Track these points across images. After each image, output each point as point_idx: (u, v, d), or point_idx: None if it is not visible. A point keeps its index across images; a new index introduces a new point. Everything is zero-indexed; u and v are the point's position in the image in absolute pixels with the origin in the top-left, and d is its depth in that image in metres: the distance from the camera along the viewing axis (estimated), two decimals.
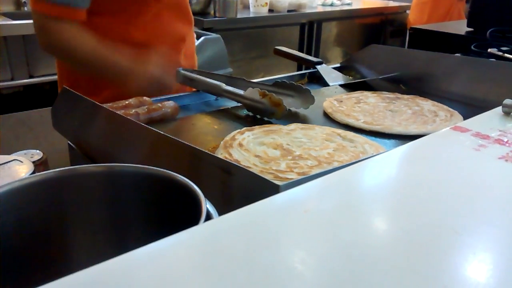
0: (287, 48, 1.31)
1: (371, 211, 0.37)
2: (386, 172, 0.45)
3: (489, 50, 1.30)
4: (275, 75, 1.14)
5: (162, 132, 0.63)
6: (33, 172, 0.51)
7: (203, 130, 0.88)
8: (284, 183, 0.44)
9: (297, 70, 3.00)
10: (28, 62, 2.24)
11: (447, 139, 0.49)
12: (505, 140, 0.48)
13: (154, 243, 0.31)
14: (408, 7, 3.67)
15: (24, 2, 2.51)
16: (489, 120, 0.54)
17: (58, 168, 0.45)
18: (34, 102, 2.22)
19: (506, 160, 0.44)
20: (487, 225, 0.35)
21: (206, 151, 0.56)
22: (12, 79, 2.23)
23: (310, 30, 3.17)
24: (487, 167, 0.43)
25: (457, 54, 1.20)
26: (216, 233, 0.34)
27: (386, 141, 0.82)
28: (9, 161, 0.52)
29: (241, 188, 0.49)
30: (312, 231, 0.34)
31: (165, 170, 0.42)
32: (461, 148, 0.47)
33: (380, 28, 3.74)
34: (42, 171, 0.56)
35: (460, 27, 1.69)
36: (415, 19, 3.36)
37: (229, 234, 0.34)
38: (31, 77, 2.27)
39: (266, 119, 0.91)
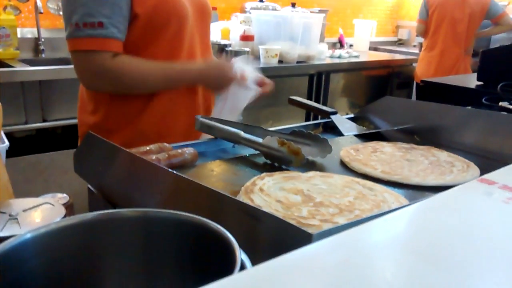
0: (301, 98, 1.34)
1: (408, 263, 0.37)
2: (417, 224, 0.45)
3: (500, 103, 1.33)
4: (284, 124, 1.16)
5: (187, 177, 0.63)
6: (64, 216, 0.52)
7: (222, 176, 0.89)
8: (317, 232, 0.44)
9: (306, 120, 3.03)
10: (43, 106, 2.29)
11: (475, 191, 0.49)
12: None
13: None
14: (414, 60, 3.75)
15: (43, 49, 2.59)
16: None
17: (81, 212, 0.46)
18: (45, 145, 2.25)
19: None
20: None
21: (232, 196, 0.57)
22: (25, 123, 2.27)
23: (318, 80, 3.23)
24: None
25: (468, 107, 1.22)
26: (251, 284, 0.34)
27: (402, 190, 0.82)
28: (41, 204, 0.52)
29: (270, 235, 0.49)
30: (350, 282, 0.34)
31: (199, 217, 0.43)
32: (490, 201, 0.47)
33: (387, 80, 3.81)
34: (69, 214, 0.56)
35: (470, 80, 1.73)
36: (422, 72, 3.43)
37: (265, 284, 0.34)
38: (44, 121, 2.31)
39: (284, 167, 0.91)
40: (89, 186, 0.85)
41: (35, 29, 2.58)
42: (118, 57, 1.05)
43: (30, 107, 2.25)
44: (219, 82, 1.17)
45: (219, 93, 1.20)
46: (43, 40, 2.60)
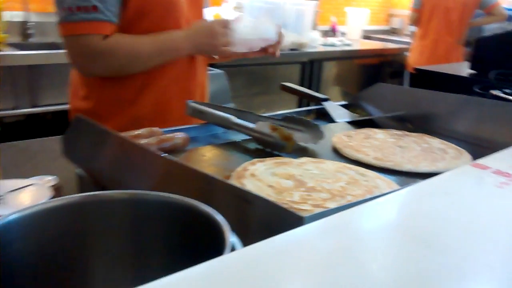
0: (293, 85, 1.33)
1: (401, 245, 0.37)
2: (410, 207, 0.44)
3: (491, 91, 1.32)
4: (276, 111, 1.15)
5: (177, 160, 0.62)
6: (52, 198, 0.51)
7: (213, 161, 0.88)
8: (308, 215, 0.43)
9: (298, 107, 3.03)
10: (32, 91, 2.25)
11: (469, 176, 0.49)
12: None
13: (175, 274, 0.30)
14: (406, 49, 3.75)
15: (32, 33, 2.55)
16: (507, 158, 0.55)
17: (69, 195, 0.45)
18: (35, 131, 2.23)
19: None
20: None
21: (223, 179, 0.56)
22: (15, 108, 2.24)
23: (311, 68, 3.23)
24: None
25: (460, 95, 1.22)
26: (241, 265, 0.33)
27: (394, 177, 0.82)
28: (28, 185, 0.51)
29: (261, 218, 0.49)
30: (340, 264, 0.34)
31: (188, 199, 0.42)
32: (484, 185, 0.47)
33: (379, 69, 3.81)
34: (57, 196, 0.55)
35: (462, 69, 1.73)
36: (414, 61, 3.43)
37: (255, 266, 0.33)
38: (34, 106, 2.28)
39: (276, 153, 0.91)
40: (77, 171, 0.84)
41: (23, 13, 2.54)
42: (109, 37, 1.03)
43: (20, 92, 2.22)
44: (210, 45, 1.12)
45: (214, 55, 1.16)
46: (32, 23, 2.56)
